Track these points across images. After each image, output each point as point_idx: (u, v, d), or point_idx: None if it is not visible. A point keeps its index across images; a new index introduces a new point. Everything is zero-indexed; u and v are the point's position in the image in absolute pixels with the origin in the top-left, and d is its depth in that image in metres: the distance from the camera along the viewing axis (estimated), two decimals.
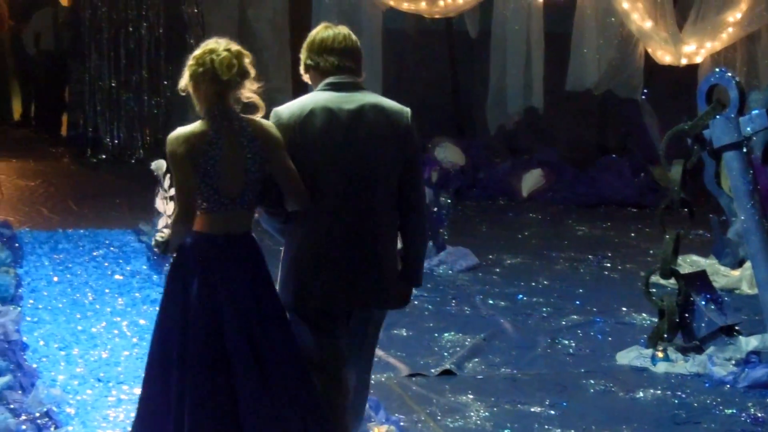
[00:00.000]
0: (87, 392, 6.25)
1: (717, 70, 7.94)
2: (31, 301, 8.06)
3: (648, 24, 13.28)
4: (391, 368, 6.98)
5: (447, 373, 6.93)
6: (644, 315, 8.35)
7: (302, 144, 4.62)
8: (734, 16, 13.24)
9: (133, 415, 4.85)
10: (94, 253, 9.58)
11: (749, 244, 7.35)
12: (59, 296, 8.25)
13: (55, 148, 15.61)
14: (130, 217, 10.89)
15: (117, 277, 8.87)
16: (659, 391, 6.76)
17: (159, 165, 7.87)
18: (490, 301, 8.74)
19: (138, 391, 4.87)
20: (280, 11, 14.89)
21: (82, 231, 10.45)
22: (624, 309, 8.60)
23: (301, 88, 5.73)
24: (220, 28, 14.21)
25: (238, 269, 4.48)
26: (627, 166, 14.09)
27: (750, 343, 7.17)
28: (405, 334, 7.76)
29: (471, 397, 6.52)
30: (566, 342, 7.75)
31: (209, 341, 4.42)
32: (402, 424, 5.99)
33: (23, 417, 5.57)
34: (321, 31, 4.82)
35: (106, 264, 9.22)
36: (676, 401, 6.61)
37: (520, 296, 8.96)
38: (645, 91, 14.12)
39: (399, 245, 4.86)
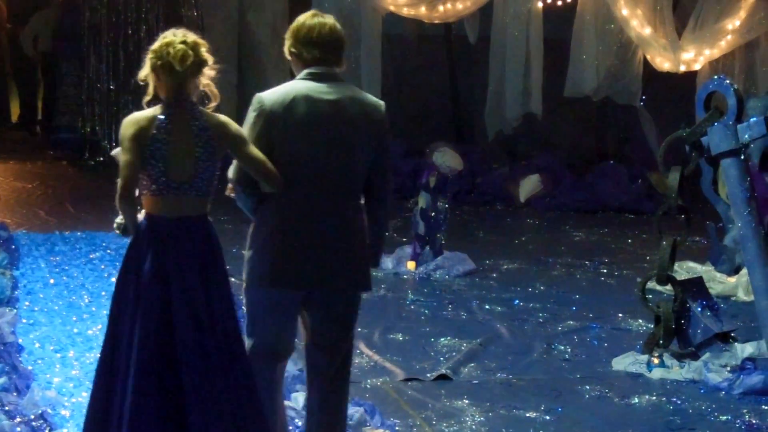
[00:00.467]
0: (82, 395, 6.21)
1: (715, 77, 7.96)
2: (27, 303, 8.04)
3: (647, 31, 13.30)
4: (386, 372, 6.98)
5: (443, 377, 6.93)
6: (640, 321, 8.36)
7: (283, 129, 4.76)
8: (733, 23, 13.27)
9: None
10: (91, 256, 9.56)
11: (746, 251, 7.35)
12: (55, 298, 8.22)
13: (53, 151, 15.60)
14: None
15: (113, 279, 8.79)
16: (654, 397, 6.76)
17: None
18: (487, 306, 8.75)
19: None
20: (279, 15, 14.87)
21: (78, 233, 10.43)
22: (620, 315, 8.60)
23: None
24: (220, 32, 14.29)
25: (190, 250, 4.56)
26: (625, 173, 14.10)
27: (745, 349, 7.18)
28: (401, 338, 7.77)
29: (466, 402, 6.51)
30: (562, 347, 7.75)
31: (159, 328, 4.50)
32: (397, 428, 5.98)
33: (18, 419, 5.55)
34: (308, 18, 4.98)
35: (103, 266, 9.19)
36: (672, 407, 6.60)
37: (517, 301, 8.97)
38: (643, 97, 14.13)
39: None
